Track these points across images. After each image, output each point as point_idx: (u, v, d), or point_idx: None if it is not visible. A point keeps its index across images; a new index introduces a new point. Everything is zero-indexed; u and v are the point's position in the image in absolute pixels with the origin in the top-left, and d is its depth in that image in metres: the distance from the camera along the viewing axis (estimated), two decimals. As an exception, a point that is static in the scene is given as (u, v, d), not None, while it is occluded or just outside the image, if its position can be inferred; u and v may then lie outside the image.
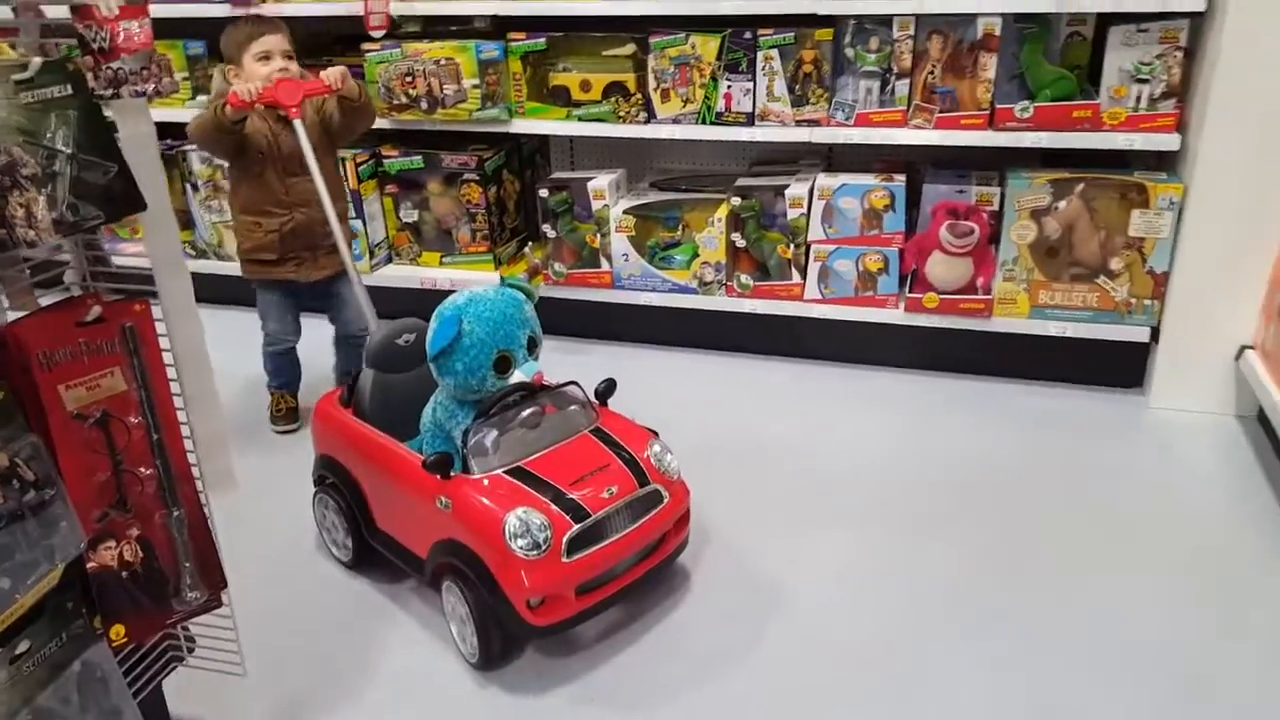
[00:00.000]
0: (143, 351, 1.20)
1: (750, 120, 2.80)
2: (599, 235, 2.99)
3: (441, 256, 3.23)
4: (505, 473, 1.73)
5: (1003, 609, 1.90)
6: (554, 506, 1.68)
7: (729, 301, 2.95)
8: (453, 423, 1.81)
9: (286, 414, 2.67)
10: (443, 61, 2.93)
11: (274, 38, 2.35)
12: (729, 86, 2.78)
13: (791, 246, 2.82)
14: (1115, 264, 2.61)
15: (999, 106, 2.58)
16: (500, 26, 3.00)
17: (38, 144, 1.07)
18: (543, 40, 2.91)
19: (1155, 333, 2.64)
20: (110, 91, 1.13)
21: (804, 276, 2.84)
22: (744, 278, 2.91)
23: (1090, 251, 2.62)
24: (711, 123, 2.82)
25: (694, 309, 2.97)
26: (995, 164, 2.76)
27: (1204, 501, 2.25)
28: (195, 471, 1.26)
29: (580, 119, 2.96)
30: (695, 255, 2.94)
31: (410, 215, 3.21)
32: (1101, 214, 2.58)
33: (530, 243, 3.23)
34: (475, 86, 2.95)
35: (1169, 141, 2.51)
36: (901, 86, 2.65)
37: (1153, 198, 2.52)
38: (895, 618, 1.90)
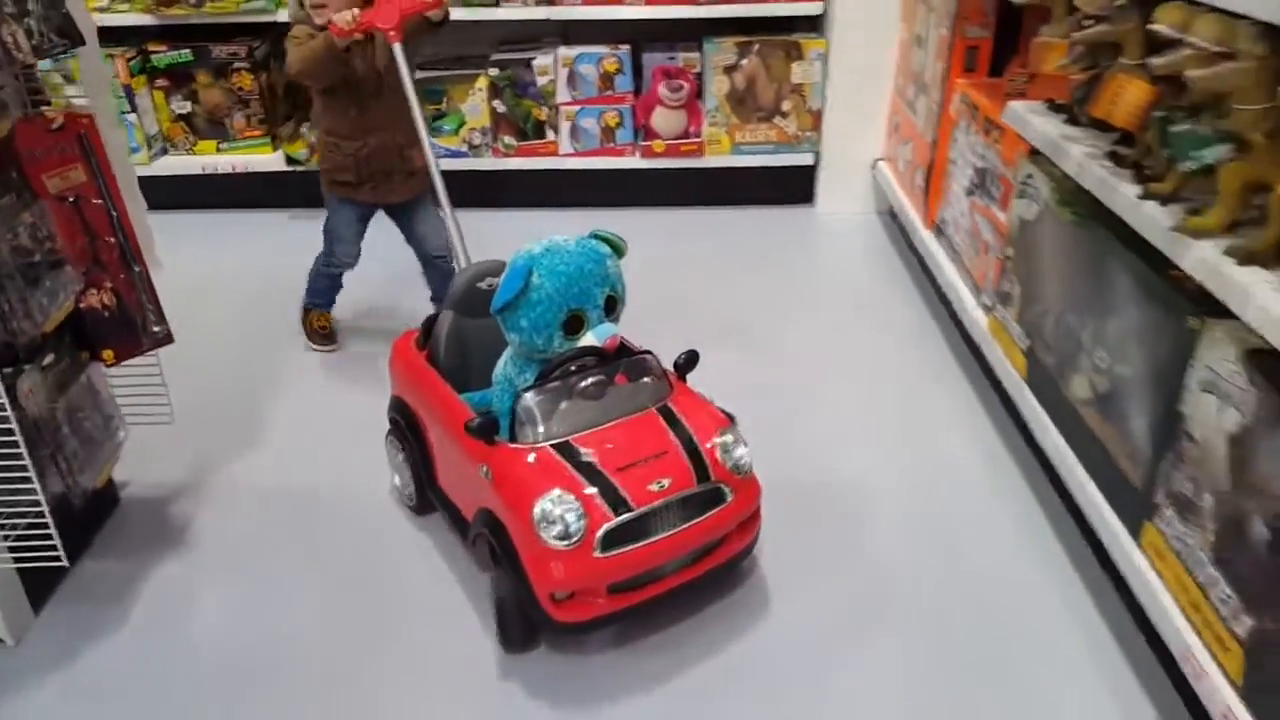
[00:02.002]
0: (94, 153, 1.60)
1: (496, 1, 3.32)
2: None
3: (218, 144, 3.51)
4: (553, 446, 1.56)
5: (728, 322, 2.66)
6: (595, 493, 1.51)
7: (496, 161, 3.50)
8: (521, 380, 1.66)
9: (328, 334, 2.64)
10: (208, -44, 3.20)
11: None
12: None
13: (545, 109, 3.41)
14: (786, 106, 3.44)
15: (692, -15, 3.29)
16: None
17: (10, -14, 1.44)
18: (300, -66, 3.25)
19: (817, 157, 3.52)
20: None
21: (557, 134, 3.45)
22: (507, 139, 3.47)
23: (768, 98, 3.44)
24: (464, 5, 3.32)
25: (465, 170, 3.49)
26: (695, 34, 3.47)
27: (854, 263, 3.18)
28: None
29: (344, 7, 3.34)
30: (462, 123, 3.46)
31: (183, 107, 3.46)
32: (773, 68, 3.39)
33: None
34: (235, -22, 3.25)
35: (815, 8, 3.34)
36: (615, -30, 3.28)
37: (806, 52, 3.35)
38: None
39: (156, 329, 1.68)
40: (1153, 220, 1.47)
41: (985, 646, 1.63)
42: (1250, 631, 1.25)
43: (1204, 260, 1.35)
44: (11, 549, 1.54)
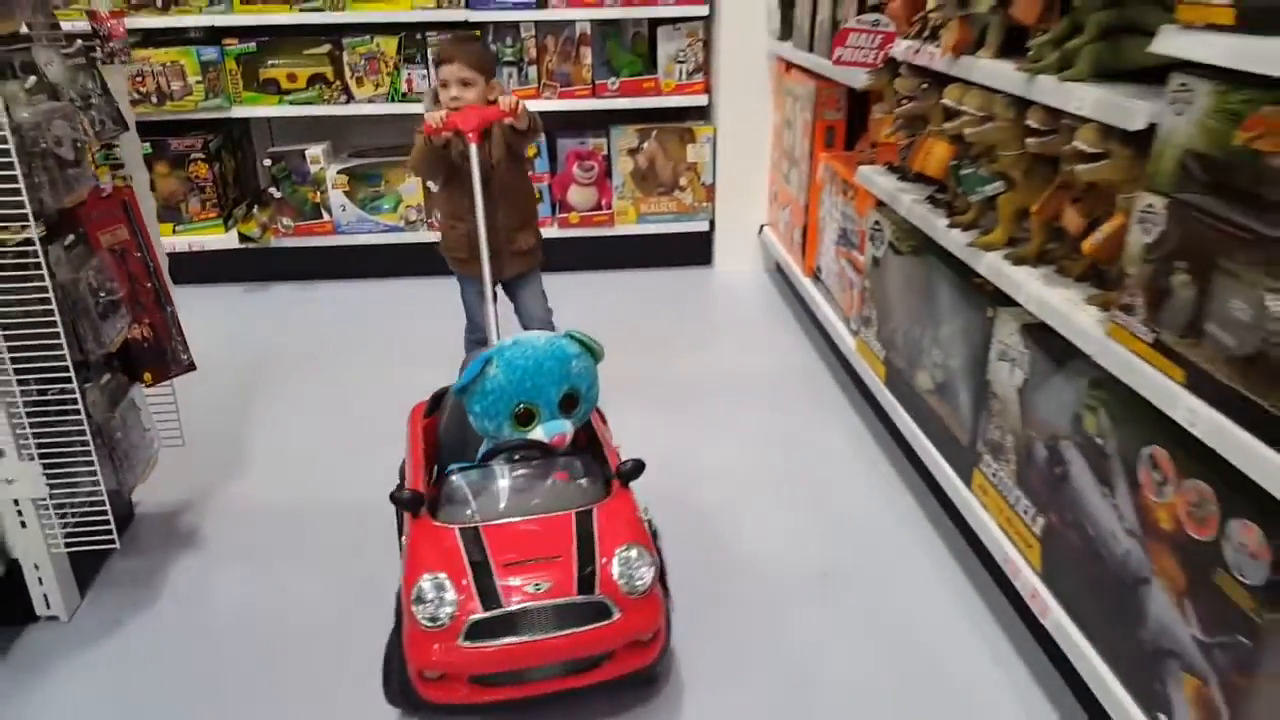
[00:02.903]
0: (133, 216, 1.97)
1: (435, 98, 3.80)
2: (318, 192, 3.83)
3: (174, 226, 3.84)
4: (461, 529, 1.60)
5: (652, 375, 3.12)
6: (470, 583, 1.52)
7: (431, 235, 3.94)
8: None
9: None
10: (169, 64, 3.60)
11: (449, 67, 2.43)
12: (409, 74, 3.77)
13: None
14: (683, 181, 4.00)
15: (597, 82, 3.84)
16: (215, 34, 3.71)
17: (78, 87, 1.83)
18: (253, 44, 3.69)
19: (712, 224, 4.08)
20: (108, 60, 1.91)
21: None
22: (438, 215, 3.91)
23: (667, 175, 3.99)
24: (398, 100, 3.80)
25: (403, 243, 3.92)
26: (602, 122, 4.02)
27: (747, 310, 3.69)
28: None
29: (290, 103, 3.78)
30: (399, 201, 3.89)
31: (138, 195, 3.80)
32: (670, 150, 3.96)
33: (256, 205, 3.96)
34: (199, 82, 3.65)
35: (701, 100, 3.94)
36: (533, 71, 3.82)
37: (698, 136, 3.93)
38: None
39: (184, 357, 2.04)
40: (958, 243, 2.01)
41: (870, 590, 2.08)
42: (1043, 528, 1.74)
43: (992, 266, 1.88)
44: (68, 536, 1.84)
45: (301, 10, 3.62)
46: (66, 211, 1.78)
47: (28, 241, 1.63)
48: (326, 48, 3.74)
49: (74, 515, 1.83)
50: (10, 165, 1.57)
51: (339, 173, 3.82)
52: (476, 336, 2.73)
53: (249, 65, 3.74)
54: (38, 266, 1.65)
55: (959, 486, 2.07)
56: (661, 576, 1.72)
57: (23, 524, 1.82)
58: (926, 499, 2.35)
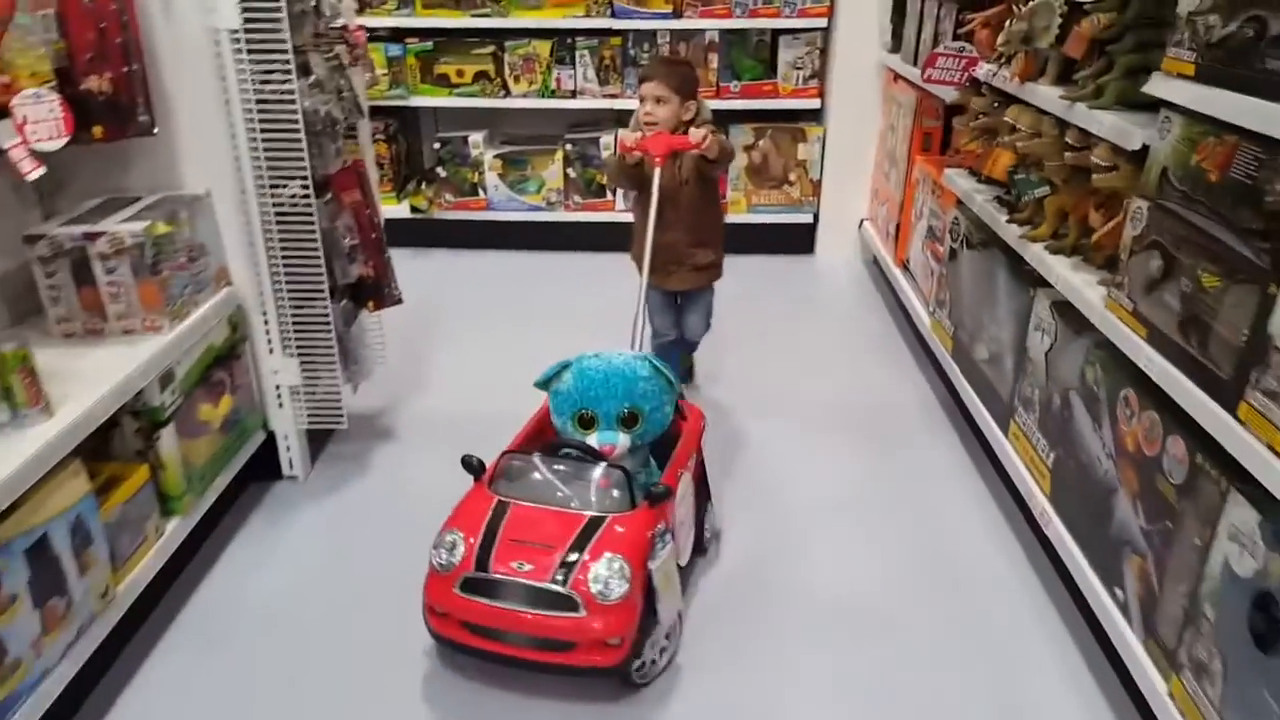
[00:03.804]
0: (365, 182, 2.61)
1: (573, 94, 4.40)
2: (476, 173, 4.48)
3: (355, 196, 4.54)
4: (497, 501, 1.82)
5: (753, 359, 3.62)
6: (476, 546, 1.75)
7: (566, 214, 4.54)
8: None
9: (686, 371, 3.11)
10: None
11: (648, 84, 2.60)
12: (559, 74, 4.37)
13: (605, 175, 4.46)
14: (792, 176, 4.48)
15: (721, 85, 4.36)
16: (399, 34, 4.39)
17: (334, 84, 2.46)
18: (431, 43, 4.35)
19: (816, 217, 4.55)
20: (353, 63, 2.54)
21: (613, 195, 4.49)
22: (576, 198, 4.51)
23: (779, 170, 4.48)
24: (548, 96, 4.40)
25: (543, 221, 4.54)
26: (723, 121, 4.52)
27: (846, 298, 4.16)
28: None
29: (459, 95, 4.43)
30: (543, 185, 4.50)
31: (327, 168, 4.52)
32: (782, 147, 4.44)
33: (424, 182, 4.64)
34: (385, 74, 4.33)
35: (815, 103, 4.40)
36: (665, 73, 4.36)
37: (809, 136, 4.41)
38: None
39: (396, 293, 2.67)
40: (1013, 236, 2.45)
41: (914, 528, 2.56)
42: (1053, 461, 2.19)
43: (1035, 255, 2.32)
44: (310, 417, 2.50)
45: (472, 15, 4.26)
46: (325, 177, 2.41)
47: (304, 197, 2.27)
48: (490, 49, 4.36)
49: (316, 402, 2.48)
50: (299, 141, 2.20)
51: (494, 157, 4.45)
52: (658, 341, 2.92)
53: (425, 61, 4.40)
54: (309, 216, 2.28)
55: (999, 434, 2.52)
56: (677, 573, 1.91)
57: (280, 404, 2.48)
58: (972, 444, 2.80)
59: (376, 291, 2.62)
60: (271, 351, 2.41)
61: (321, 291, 2.35)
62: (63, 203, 2.17)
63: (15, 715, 1.53)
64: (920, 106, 3.67)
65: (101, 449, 1.86)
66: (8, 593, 1.49)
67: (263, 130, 2.18)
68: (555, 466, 1.89)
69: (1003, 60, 2.55)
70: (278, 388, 2.46)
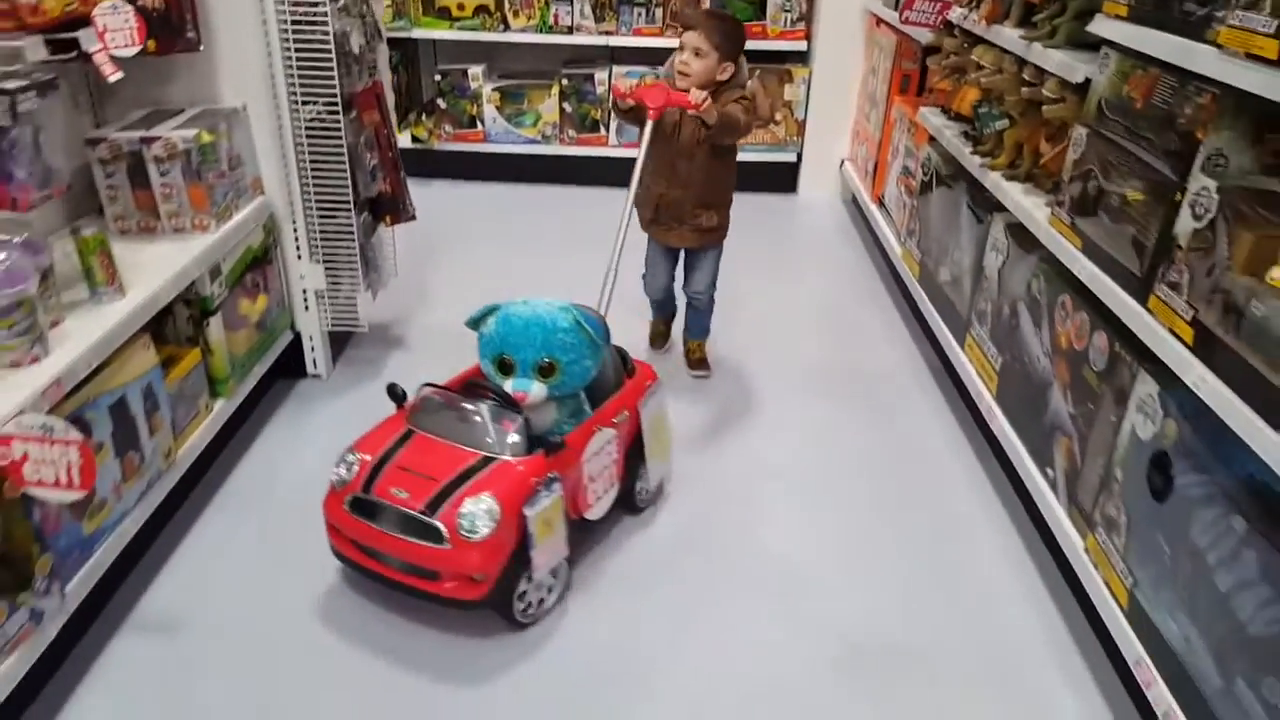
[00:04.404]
0: (382, 104, 2.81)
1: (570, 30, 4.57)
2: (475, 105, 4.66)
3: (357, 126, 4.72)
4: (408, 429, 1.91)
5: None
6: (369, 468, 1.82)
7: (562, 148, 4.73)
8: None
9: (658, 336, 3.08)
10: (367, -12, 4.44)
11: (690, 33, 2.54)
12: (556, 8, 4.53)
13: (599, 110, 4.65)
14: (778, 116, 4.70)
15: (713, 25, 4.54)
16: (403, -34, 4.54)
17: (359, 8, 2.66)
18: (433, -24, 4.51)
19: (800, 156, 4.77)
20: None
21: (607, 130, 4.69)
22: (571, 132, 4.71)
23: (765, 110, 4.69)
24: (545, 32, 4.57)
25: (539, 154, 4.74)
26: (712, 60, 4.72)
27: (825, 233, 4.41)
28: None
29: (459, 28, 4.60)
30: (539, 119, 4.69)
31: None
32: (770, 88, 4.65)
33: (424, 114, 4.82)
34: (389, 5, 4.49)
35: (801, 45, 4.60)
36: (659, 13, 4.54)
37: (795, 77, 4.62)
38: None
39: (410, 209, 2.90)
40: (975, 166, 2.70)
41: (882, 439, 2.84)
42: (1001, 365, 2.46)
43: (994, 183, 2.57)
44: (333, 320, 2.73)
45: (474, -49, 4.41)
46: (350, 96, 2.62)
47: (332, 113, 2.48)
48: (492, -17, 4.52)
49: (338, 306, 2.72)
50: (330, 60, 2.41)
51: (493, 90, 4.63)
52: (650, 290, 2.94)
53: (428, -6, 4.56)
54: (337, 132, 2.50)
55: (955, 347, 2.80)
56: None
57: (306, 308, 2.71)
58: (932, 359, 3.09)
59: (394, 207, 2.85)
60: (300, 258, 2.64)
61: (346, 203, 2.57)
62: (111, 112, 2.37)
63: (100, 547, 1.78)
64: (900, 49, 3.89)
65: (158, 333, 2.09)
66: (96, 440, 1.73)
67: (296, 49, 2.38)
68: (466, 405, 1.92)
69: (972, 4, 2.78)
70: (305, 292, 2.69)
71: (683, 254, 2.87)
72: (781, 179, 4.83)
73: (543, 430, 1.95)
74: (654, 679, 1.84)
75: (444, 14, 4.59)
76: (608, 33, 4.56)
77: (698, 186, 2.66)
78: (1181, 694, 1.58)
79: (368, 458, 1.85)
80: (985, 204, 2.65)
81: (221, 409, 2.30)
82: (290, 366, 2.75)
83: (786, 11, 4.56)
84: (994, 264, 2.55)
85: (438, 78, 4.64)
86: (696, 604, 2.03)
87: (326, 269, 2.66)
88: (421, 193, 4.55)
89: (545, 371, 1.92)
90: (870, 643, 1.95)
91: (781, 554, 2.20)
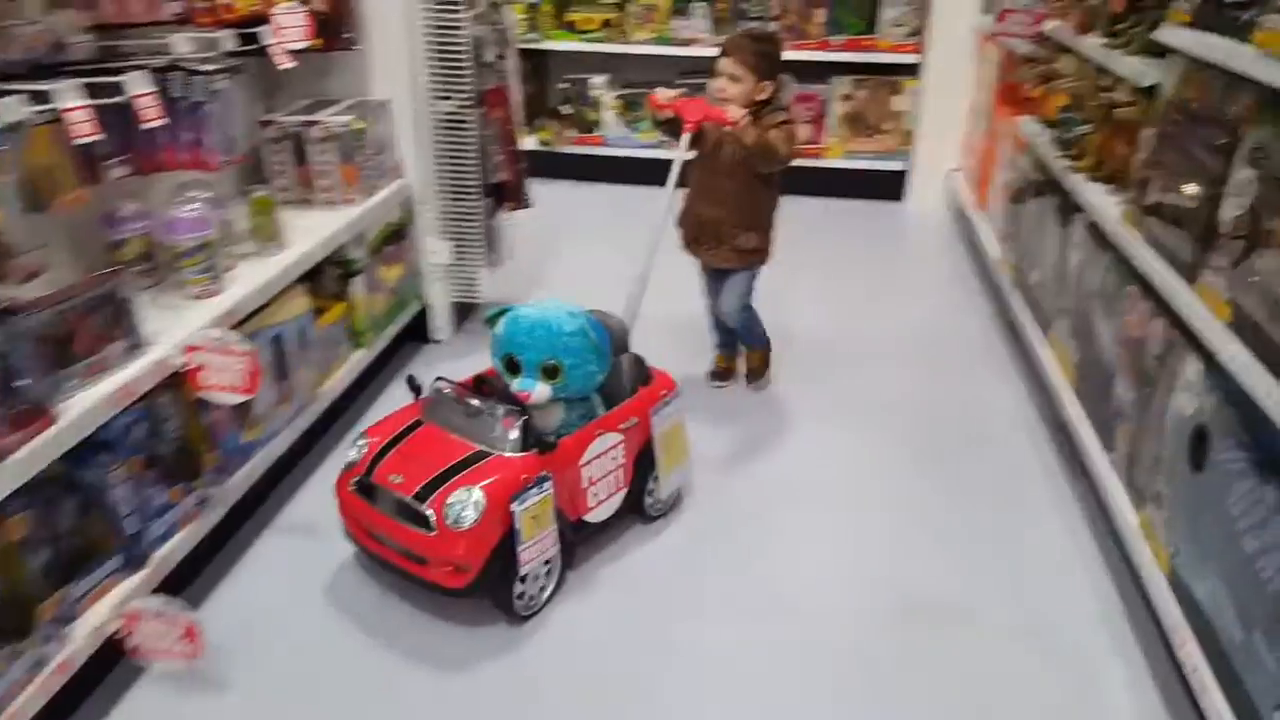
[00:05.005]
0: (508, 102, 3.13)
1: (687, 43, 4.84)
2: (596, 111, 4.98)
3: (489, 129, 5.11)
4: (420, 416, 1.99)
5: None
6: (375, 451, 1.90)
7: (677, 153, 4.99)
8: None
9: (717, 372, 2.95)
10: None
11: (724, 59, 2.52)
12: (675, 23, 4.81)
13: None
14: (887, 126, 4.83)
15: (826, 38, 4.73)
16: (537, -18, 4.91)
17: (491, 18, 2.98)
18: (565, -7, 4.87)
19: (908, 165, 4.89)
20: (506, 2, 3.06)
21: (719, 136, 4.93)
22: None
23: (874, 119, 4.84)
24: (666, 44, 4.86)
25: (653, 158, 5.01)
26: (824, 72, 4.90)
27: (930, 241, 4.51)
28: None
29: (585, 40, 4.93)
30: (656, 124, 4.97)
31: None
32: (880, 98, 4.80)
33: (550, 118, 5.17)
34: (523, 19, 4.87)
35: (913, 59, 4.73)
36: (772, 26, 4.75)
37: (904, 89, 4.75)
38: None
39: (528, 198, 3.21)
40: (1061, 170, 2.81)
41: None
42: (1078, 359, 2.56)
43: (1076, 184, 2.68)
44: (457, 291, 3.06)
45: (603, -31, 4.75)
46: (481, 93, 2.95)
47: (465, 108, 2.80)
48: (617, -1, 4.85)
49: (461, 280, 3.05)
50: (466, 61, 2.74)
51: (615, 97, 4.94)
52: (708, 309, 2.89)
53: (558, 8, 4.91)
54: (469, 125, 2.82)
55: (1039, 343, 2.90)
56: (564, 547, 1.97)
57: (434, 280, 3.05)
58: (1017, 353, 3.18)
59: (514, 195, 3.16)
60: (430, 235, 2.98)
61: (475, 188, 2.89)
62: (279, 101, 2.75)
63: (256, 457, 2.13)
64: (1004, 62, 3.98)
65: (312, 287, 2.44)
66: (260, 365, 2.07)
67: (438, 50, 2.72)
68: (473, 401, 1.97)
69: (1063, 15, 2.90)
70: (433, 266, 3.02)
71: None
72: (889, 187, 4.95)
73: (551, 431, 1.99)
74: (639, 686, 1.85)
75: (572, 27, 4.94)
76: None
77: (737, 207, 2.60)
78: (1207, 648, 1.68)
79: (376, 443, 1.94)
80: (1069, 206, 2.76)
81: (359, 358, 2.64)
82: (418, 331, 3.09)
83: (898, 26, 4.70)
84: (1075, 263, 2.65)
85: (563, 85, 4.98)
86: (686, 616, 2.02)
87: (453, 246, 2.99)
88: (544, 191, 4.90)
89: (550, 373, 1.95)
90: (927, 603, 2.09)
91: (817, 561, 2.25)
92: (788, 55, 4.64)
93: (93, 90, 1.64)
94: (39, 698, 1.49)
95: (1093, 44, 2.58)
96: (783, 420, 2.82)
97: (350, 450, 1.98)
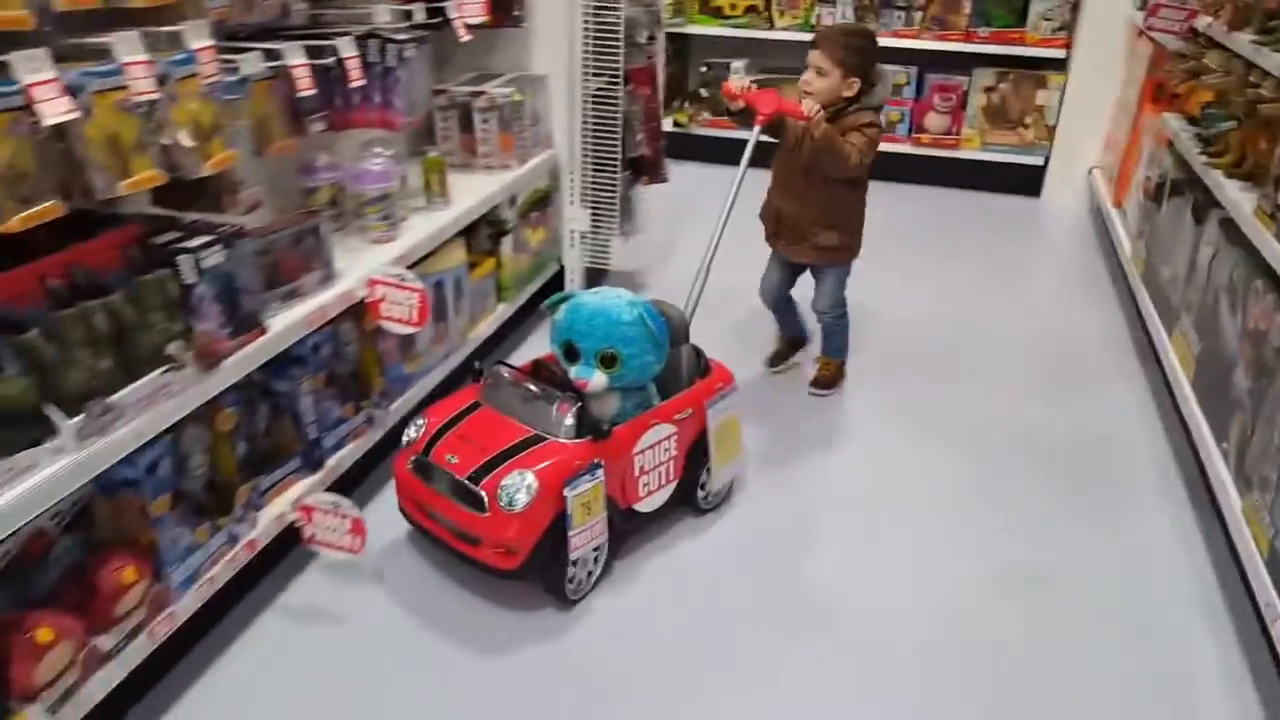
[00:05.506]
0: (654, 80, 3.32)
1: (830, 31, 4.92)
2: (735, 96, 5.11)
3: (629, 109, 5.32)
4: (475, 400, 2.03)
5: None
6: (433, 431, 1.95)
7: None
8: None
9: (773, 355, 2.98)
10: (653, -13, 5.02)
11: (813, 52, 2.49)
12: (820, 10, 4.90)
13: (850, 105, 4.96)
14: (1028, 120, 4.79)
15: (971, 30, 4.73)
16: (685, -32, 5.08)
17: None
18: (709, -21, 5.02)
19: (1047, 160, 4.84)
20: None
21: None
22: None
23: (1015, 113, 4.81)
24: (809, 30, 4.94)
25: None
26: (967, 63, 4.89)
27: (1065, 238, 4.47)
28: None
29: (728, 25, 5.07)
30: (792, 110, 5.07)
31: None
32: (1022, 92, 4.76)
33: (687, 101, 5.34)
34: (670, 3, 5.04)
35: (1060, 53, 4.68)
36: (918, 16, 4.78)
37: (1049, 83, 4.70)
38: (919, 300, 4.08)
39: (665, 173, 3.40)
40: (1201, 165, 2.80)
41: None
42: (1199, 352, 2.57)
43: (1215, 181, 2.67)
44: (590, 256, 3.28)
45: (750, -43, 4.88)
46: (628, 71, 3.14)
47: (613, 84, 3.00)
48: (763, -15, 4.97)
49: (596, 246, 3.26)
50: (619, 41, 2.94)
51: (751, 82, 5.05)
52: (765, 299, 2.88)
53: (704, -7, 5.08)
54: (616, 101, 3.02)
55: (1164, 338, 2.90)
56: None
57: (572, 245, 3.27)
58: (1142, 353, 3.17)
59: (652, 169, 3.35)
60: (571, 203, 3.20)
61: (615, 161, 3.10)
62: (446, 74, 3.02)
63: (414, 387, 2.39)
64: (1154, 58, 3.91)
65: (467, 242, 2.69)
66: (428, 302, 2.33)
67: (594, 30, 2.93)
68: (530, 386, 1.99)
69: (1216, 11, 2.87)
70: (572, 232, 3.25)
71: (797, 272, 2.82)
72: (1025, 182, 4.91)
73: (606, 419, 1.99)
74: (663, 682, 1.84)
75: (716, 12, 5.09)
76: (866, 33, 4.85)
77: (818, 205, 2.56)
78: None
79: (434, 424, 1.98)
80: (1206, 203, 2.75)
81: (502, 311, 2.88)
82: (551, 293, 3.31)
83: (1047, 20, 4.65)
84: (1205, 258, 2.65)
85: (703, 69, 5.15)
86: (735, 614, 2.01)
87: (591, 214, 3.21)
88: (677, 171, 5.09)
89: (607, 361, 1.95)
90: (1027, 571, 2.18)
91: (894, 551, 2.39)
92: (930, 45, 4.73)
93: (310, 52, 1.90)
94: (230, 569, 1.77)
95: (1243, 40, 2.56)
96: (870, 416, 2.81)
97: (409, 429, 2.02)
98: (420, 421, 2.01)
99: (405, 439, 2.02)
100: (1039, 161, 4.85)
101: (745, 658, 1.90)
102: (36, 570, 1.37)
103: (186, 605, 1.64)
